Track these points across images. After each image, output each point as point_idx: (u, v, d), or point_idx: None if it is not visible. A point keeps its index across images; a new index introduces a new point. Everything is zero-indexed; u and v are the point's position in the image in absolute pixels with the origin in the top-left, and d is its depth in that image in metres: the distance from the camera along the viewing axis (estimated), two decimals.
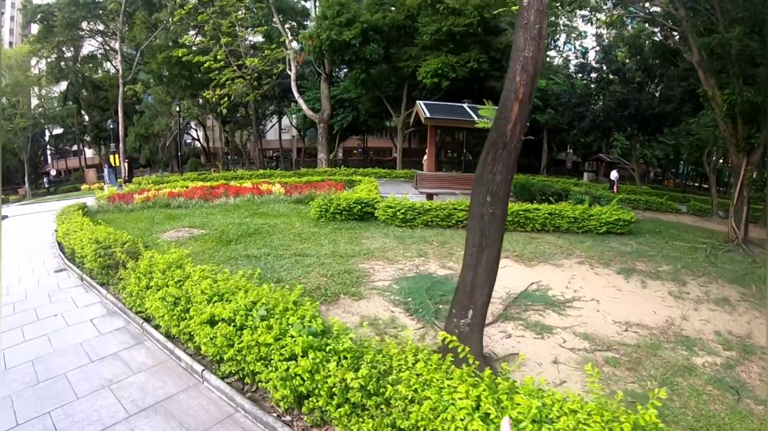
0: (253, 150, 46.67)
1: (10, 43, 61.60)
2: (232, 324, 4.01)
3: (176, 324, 4.66)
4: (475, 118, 15.57)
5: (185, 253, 5.55)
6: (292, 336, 3.52)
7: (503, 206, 4.12)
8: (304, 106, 27.38)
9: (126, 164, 31.42)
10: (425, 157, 20.85)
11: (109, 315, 5.90)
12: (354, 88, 31.07)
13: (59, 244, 10.24)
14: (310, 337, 3.44)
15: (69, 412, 3.89)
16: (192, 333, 4.47)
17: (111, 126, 28.64)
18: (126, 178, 27.51)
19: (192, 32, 30.15)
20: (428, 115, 15.29)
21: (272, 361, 3.60)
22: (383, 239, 9.18)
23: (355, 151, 49.08)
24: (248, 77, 25.78)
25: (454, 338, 3.30)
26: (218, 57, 24.58)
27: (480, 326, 4.26)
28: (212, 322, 4.22)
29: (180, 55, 25.07)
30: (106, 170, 21.57)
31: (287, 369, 3.40)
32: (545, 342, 5.03)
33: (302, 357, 3.35)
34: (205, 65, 24.44)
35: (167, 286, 4.87)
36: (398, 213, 10.52)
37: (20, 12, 46.45)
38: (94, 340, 5.20)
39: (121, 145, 26.07)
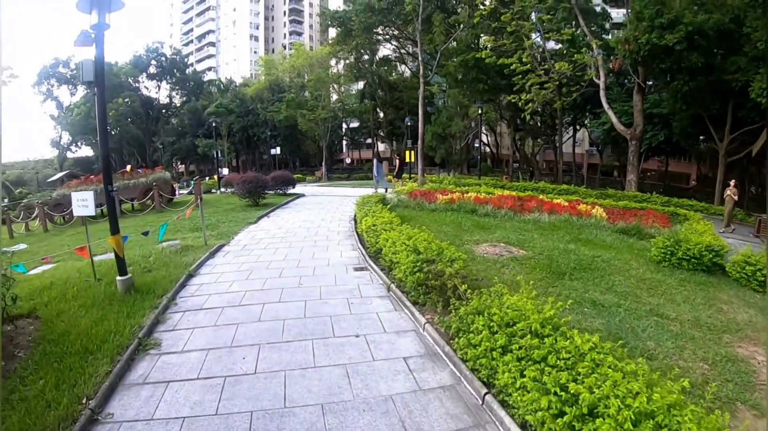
0: (541, 161, 45.13)
1: (311, 47, 76.00)
2: None
3: None
4: None
5: (560, 306, 3.86)
6: None
7: None
8: (614, 119, 24.30)
9: (397, 161, 33.20)
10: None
11: (428, 358, 4.63)
12: (671, 103, 26.39)
13: (359, 236, 10.08)
14: None
15: None
16: None
17: (408, 124, 30.62)
18: (396, 174, 28.82)
19: (484, 36, 29.78)
20: None
21: None
22: (746, 308, 6.45)
23: (649, 173, 43.02)
24: (555, 83, 24.02)
25: None
26: (524, 60, 23.42)
27: None
28: None
29: (483, 56, 24.72)
30: (375, 164, 22.22)
31: None
32: None
33: None
34: (511, 67, 23.57)
35: (546, 362, 3.23)
36: (758, 273, 7.67)
37: (318, 17, 55.71)
38: (410, 398, 3.90)
39: (419, 143, 27.41)
